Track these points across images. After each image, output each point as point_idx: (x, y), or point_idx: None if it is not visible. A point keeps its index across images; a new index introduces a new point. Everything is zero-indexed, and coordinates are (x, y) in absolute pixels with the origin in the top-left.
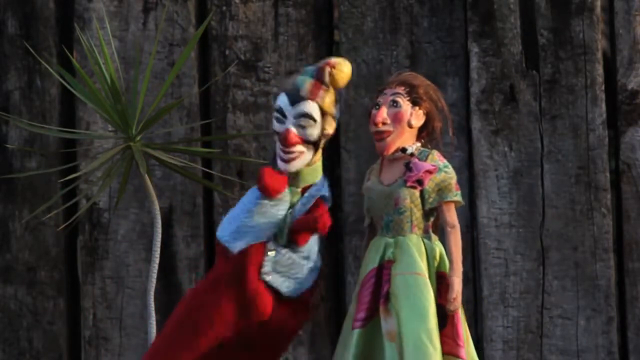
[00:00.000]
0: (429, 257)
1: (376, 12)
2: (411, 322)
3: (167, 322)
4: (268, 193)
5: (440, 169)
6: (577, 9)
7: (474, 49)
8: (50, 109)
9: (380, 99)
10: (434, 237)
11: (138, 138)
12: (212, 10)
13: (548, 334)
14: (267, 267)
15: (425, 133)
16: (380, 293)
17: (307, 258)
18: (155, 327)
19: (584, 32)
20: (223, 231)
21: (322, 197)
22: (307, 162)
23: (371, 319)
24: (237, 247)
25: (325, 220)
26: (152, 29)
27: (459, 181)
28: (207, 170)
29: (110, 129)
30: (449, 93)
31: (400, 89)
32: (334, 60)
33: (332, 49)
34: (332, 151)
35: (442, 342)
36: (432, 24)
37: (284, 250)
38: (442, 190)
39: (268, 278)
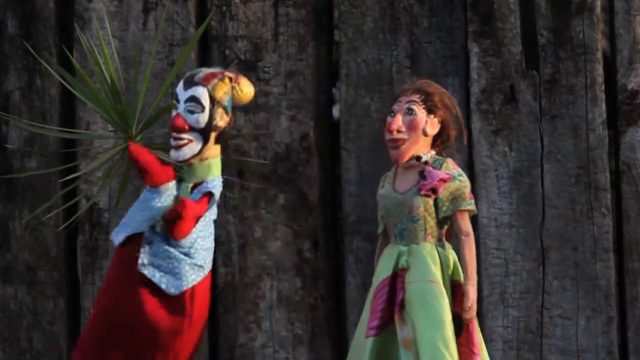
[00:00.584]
0: (443, 265)
1: (376, 12)
2: (427, 330)
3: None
4: (146, 177)
5: (454, 178)
6: (577, 9)
7: (474, 49)
8: (50, 109)
9: (396, 107)
10: (448, 246)
11: (138, 138)
12: (212, 10)
13: (548, 334)
14: (143, 258)
15: (440, 141)
16: (395, 301)
17: (187, 254)
18: None
19: (584, 32)
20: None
21: (209, 194)
22: (195, 152)
23: (386, 327)
24: (117, 239)
25: (189, 206)
26: (152, 29)
27: None
28: None
29: (110, 129)
30: (449, 93)
31: (416, 97)
32: (240, 77)
33: (332, 49)
34: (332, 151)
35: (458, 351)
36: (432, 24)
37: (161, 243)
38: (456, 199)
39: (145, 271)
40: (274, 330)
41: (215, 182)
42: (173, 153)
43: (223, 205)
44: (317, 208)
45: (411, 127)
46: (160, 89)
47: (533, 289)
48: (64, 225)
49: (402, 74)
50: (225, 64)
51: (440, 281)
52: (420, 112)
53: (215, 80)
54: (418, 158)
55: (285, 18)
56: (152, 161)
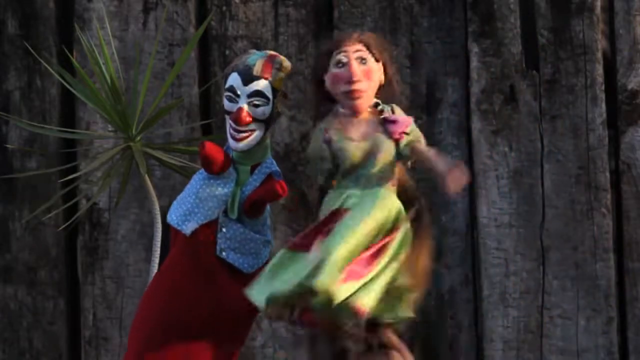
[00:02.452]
0: (391, 210)
1: (376, 12)
2: (329, 244)
3: (136, 312)
4: (211, 166)
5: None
6: (577, 9)
7: (474, 49)
8: (50, 109)
9: (342, 57)
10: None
11: (138, 138)
12: (212, 10)
13: (548, 334)
14: (221, 243)
15: (381, 87)
16: (321, 230)
17: (259, 232)
18: None
19: (584, 32)
20: (173, 215)
21: (273, 173)
22: (258, 140)
23: (300, 248)
24: (189, 228)
25: (283, 186)
26: (152, 29)
27: None
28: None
29: (110, 129)
30: (449, 93)
31: (360, 46)
32: (277, 55)
33: None
34: None
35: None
36: (432, 24)
37: (235, 226)
38: (412, 140)
39: (224, 255)
40: (274, 330)
41: (272, 160)
42: (235, 143)
43: None
44: (317, 208)
45: (367, 76)
46: (160, 89)
47: (533, 289)
48: (64, 226)
49: (402, 74)
50: (225, 64)
51: (377, 223)
52: (371, 60)
53: (274, 71)
54: (376, 105)
55: (285, 18)
56: (221, 155)
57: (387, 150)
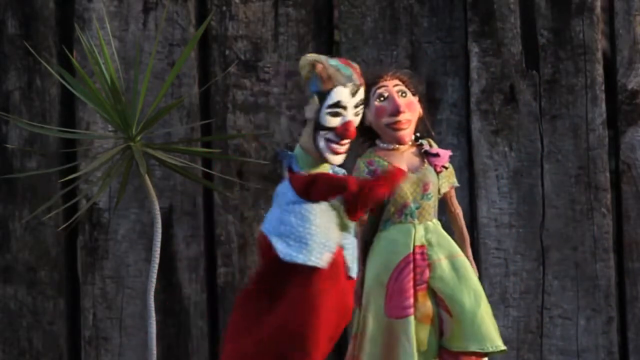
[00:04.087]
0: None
1: (376, 12)
2: (471, 304)
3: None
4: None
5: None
6: (577, 9)
7: (474, 49)
8: (50, 109)
9: (383, 92)
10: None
11: (138, 138)
12: (212, 10)
13: (548, 334)
14: (350, 262)
15: (418, 121)
16: (420, 278)
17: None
18: (155, 327)
19: (584, 32)
20: (294, 251)
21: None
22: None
23: (414, 305)
24: (324, 260)
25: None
26: (152, 29)
27: (458, 181)
28: (207, 170)
29: (110, 129)
30: (449, 93)
31: (399, 81)
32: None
33: (332, 49)
34: None
35: None
36: (432, 24)
37: (350, 239)
38: (449, 176)
39: (353, 274)
40: None
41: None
42: (335, 157)
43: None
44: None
45: (410, 108)
46: (160, 89)
47: (533, 289)
48: (64, 226)
49: None
50: (225, 64)
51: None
52: (409, 94)
53: (361, 77)
54: (416, 138)
55: (285, 18)
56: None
57: (435, 183)
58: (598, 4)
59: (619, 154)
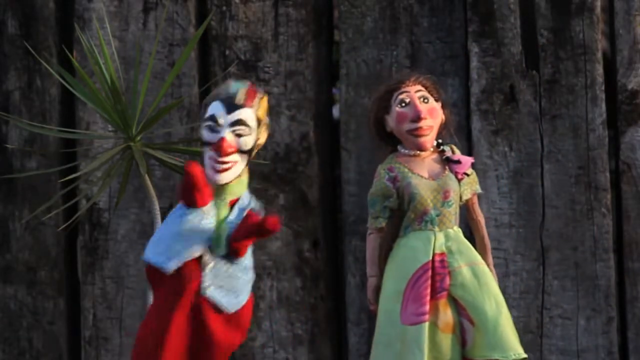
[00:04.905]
0: None
1: (376, 12)
2: (493, 312)
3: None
4: (194, 193)
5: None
6: (577, 9)
7: (474, 49)
8: (50, 109)
9: (404, 97)
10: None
11: (138, 138)
12: (212, 10)
13: (548, 334)
14: (207, 281)
15: (441, 127)
16: (438, 286)
17: (244, 270)
18: None
19: (584, 32)
20: (151, 253)
21: (253, 209)
22: (238, 173)
23: (430, 312)
24: (171, 266)
25: (274, 220)
26: (152, 29)
27: None
28: None
29: (110, 129)
30: (449, 93)
31: (420, 87)
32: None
33: (332, 49)
34: (332, 151)
35: None
36: (432, 24)
37: (222, 262)
38: (472, 182)
39: (208, 293)
40: (274, 330)
41: (249, 197)
42: (215, 175)
43: None
44: (317, 208)
45: (432, 114)
46: (160, 89)
47: (533, 289)
48: (64, 226)
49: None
50: (225, 64)
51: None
52: (432, 100)
53: (257, 100)
54: (438, 145)
55: (285, 18)
56: (205, 182)
57: (456, 190)
58: (598, 4)
59: (619, 154)
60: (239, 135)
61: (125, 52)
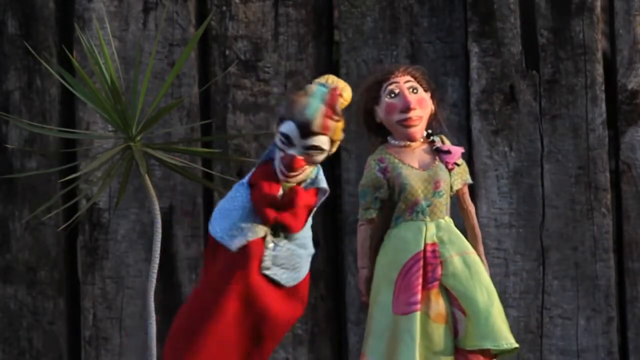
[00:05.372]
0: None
1: (376, 12)
2: (484, 302)
3: (172, 325)
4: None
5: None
6: (577, 9)
7: (474, 49)
8: (50, 109)
9: (393, 88)
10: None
11: (138, 138)
12: (212, 10)
13: (548, 334)
14: (267, 261)
15: (431, 117)
16: (429, 276)
17: (303, 246)
18: (155, 327)
19: (584, 32)
20: (217, 228)
21: (316, 187)
22: (307, 176)
23: (421, 302)
24: (235, 244)
25: (301, 194)
26: (152, 29)
27: None
28: (207, 170)
29: (110, 129)
30: (449, 93)
31: (410, 77)
32: (341, 86)
33: (332, 49)
34: None
35: None
36: (432, 24)
37: (282, 243)
38: (462, 172)
39: (269, 272)
40: None
41: (318, 176)
42: (284, 179)
43: None
44: (317, 208)
45: (421, 104)
46: (160, 89)
47: (533, 289)
48: (64, 226)
49: None
50: (226, 64)
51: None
52: (421, 90)
53: (332, 125)
54: (428, 135)
55: (285, 18)
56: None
57: (447, 181)
58: (598, 4)
59: (619, 154)
60: (310, 156)
61: (125, 52)
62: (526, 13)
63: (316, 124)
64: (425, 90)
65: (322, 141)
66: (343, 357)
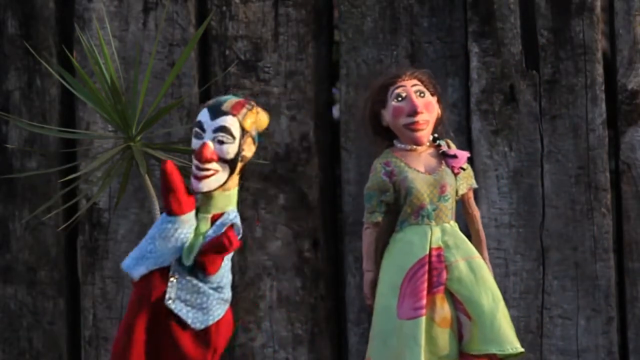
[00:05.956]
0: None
1: (376, 12)
2: (489, 306)
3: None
4: (177, 202)
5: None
6: (577, 9)
7: (474, 49)
8: (50, 109)
9: (400, 92)
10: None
11: (138, 138)
12: (212, 10)
13: (548, 334)
14: (170, 293)
15: (437, 121)
16: (434, 281)
17: (216, 289)
18: None
19: (584, 32)
20: (127, 259)
21: (233, 225)
22: (220, 183)
23: (427, 306)
24: (137, 273)
25: (232, 237)
26: (152, 29)
27: None
28: None
29: (110, 129)
30: (449, 93)
31: (417, 81)
32: (256, 106)
33: (332, 49)
34: (332, 151)
35: None
36: (432, 24)
37: (188, 277)
38: (468, 177)
39: (172, 305)
40: (274, 330)
41: (235, 213)
42: (196, 183)
43: None
44: (317, 208)
45: (428, 108)
46: (160, 89)
47: (533, 289)
48: (64, 226)
49: None
50: (226, 64)
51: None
52: (427, 94)
53: (244, 110)
54: (434, 139)
55: (285, 18)
56: (182, 187)
57: (452, 185)
58: (598, 4)
59: (619, 154)
60: (220, 142)
61: (125, 52)
62: (526, 13)
63: (226, 105)
64: (432, 94)
65: (231, 122)
66: (343, 357)
